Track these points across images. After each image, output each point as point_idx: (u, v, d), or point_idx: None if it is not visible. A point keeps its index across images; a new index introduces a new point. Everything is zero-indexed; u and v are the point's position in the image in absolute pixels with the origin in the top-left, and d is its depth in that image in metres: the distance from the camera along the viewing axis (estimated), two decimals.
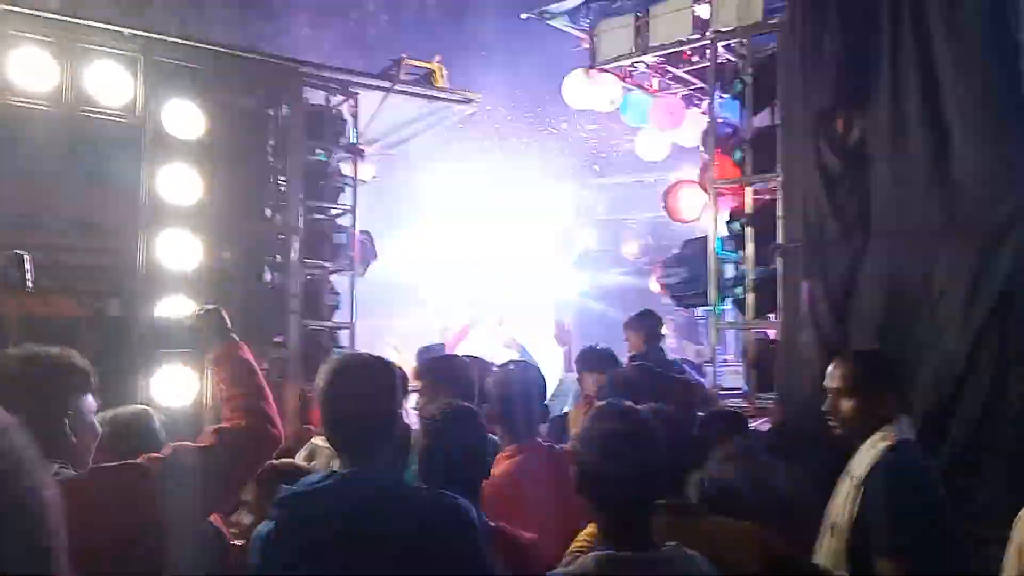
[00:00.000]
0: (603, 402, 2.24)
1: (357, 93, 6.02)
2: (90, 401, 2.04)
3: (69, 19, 4.96)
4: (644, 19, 5.80)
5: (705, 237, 5.29)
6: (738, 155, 5.11)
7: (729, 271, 5.31)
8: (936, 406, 3.94)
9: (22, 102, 4.70)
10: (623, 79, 6.47)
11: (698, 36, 5.46)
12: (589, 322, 10.66)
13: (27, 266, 3.93)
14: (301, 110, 5.69)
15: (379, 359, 2.14)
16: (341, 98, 5.98)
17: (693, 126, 6.50)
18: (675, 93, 6.64)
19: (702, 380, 5.05)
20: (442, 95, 6.52)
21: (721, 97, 5.57)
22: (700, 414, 3.57)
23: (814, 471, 3.15)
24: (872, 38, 4.48)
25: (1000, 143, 4.06)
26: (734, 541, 2.26)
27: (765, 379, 4.84)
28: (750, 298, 4.93)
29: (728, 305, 5.27)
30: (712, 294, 5.14)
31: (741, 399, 4.99)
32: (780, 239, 4.81)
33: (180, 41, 5.30)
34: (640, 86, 6.68)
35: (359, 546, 1.93)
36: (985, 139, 4.08)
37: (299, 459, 3.63)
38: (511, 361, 3.82)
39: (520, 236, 12.04)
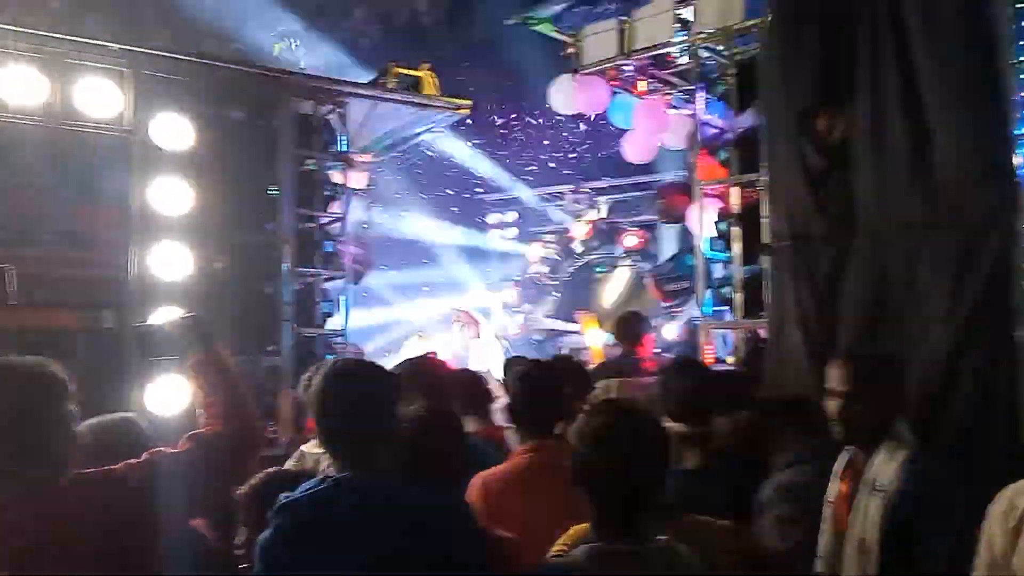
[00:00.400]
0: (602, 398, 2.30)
1: (346, 102, 6.06)
2: (69, 409, 2.07)
3: (57, 35, 5.02)
4: (627, 22, 5.85)
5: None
6: (723, 155, 5.16)
7: (718, 271, 5.36)
8: (924, 402, 3.97)
9: (13, 118, 4.75)
10: (609, 83, 6.52)
11: (681, 38, 5.51)
12: None
13: (9, 280, 3.96)
14: (290, 120, 5.74)
15: (373, 364, 2.18)
16: (330, 107, 6.03)
17: (680, 128, 6.54)
18: (663, 95, 6.69)
19: None
20: (430, 102, 6.57)
21: (706, 99, 5.62)
22: None
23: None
24: (851, 36, 4.51)
25: (980, 138, 4.08)
26: (715, 539, 2.29)
27: (755, 378, 4.87)
28: (738, 297, 4.97)
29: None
30: (699, 294, 5.18)
31: None
32: (766, 238, 4.84)
33: (167, 55, 5.36)
34: (628, 89, 6.73)
35: (359, 549, 1.97)
36: (965, 134, 4.11)
37: (288, 466, 3.66)
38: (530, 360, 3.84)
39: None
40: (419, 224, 11.52)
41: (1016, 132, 4.03)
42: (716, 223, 5.18)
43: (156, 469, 2.09)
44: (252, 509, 2.31)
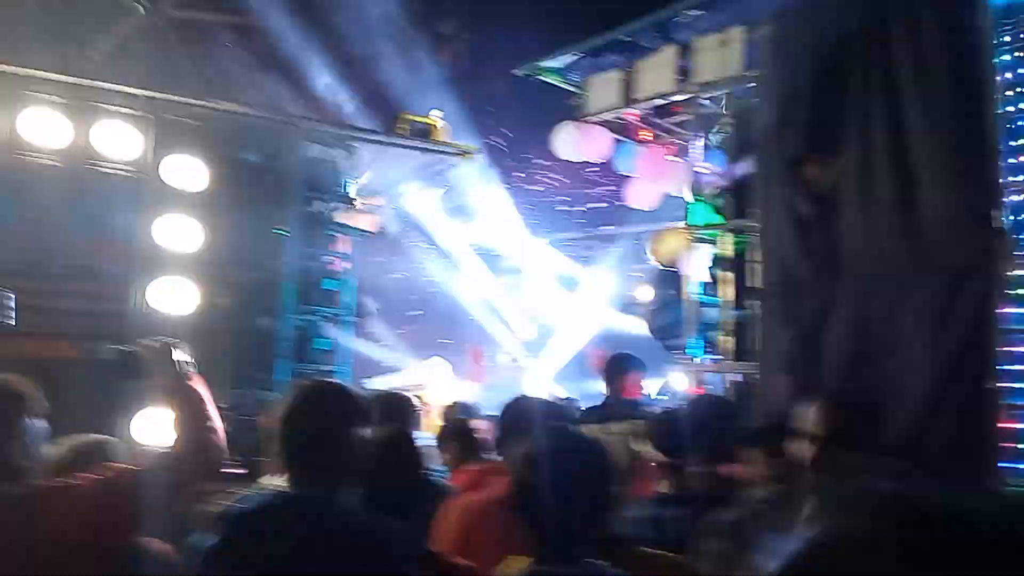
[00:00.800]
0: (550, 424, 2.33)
1: (355, 146, 6.27)
2: (39, 426, 2.17)
3: (84, 82, 5.29)
4: (631, 73, 5.99)
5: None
6: (718, 202, 5.23)
7: (712, 315, 5.38)
8: (903, 446, 3.95)
9: (36, 156, 5.00)
10: (615, 132, 6.66)
11: (680, 89, 5.64)
12: None
13: (8, 304, 4.13)
14: (299, 163, 5.95)
15: (342, 386, 2.26)
16: (339, 151, 6.24)
17: (682, 176, 6.64)
18: (667, 144, 6.81)
19: None
20: (438, 148, 6.76)
21: (706, 147, 5.72)
22: None
23: None
24: (842, 87, 4.60)
25: (964, 189, 4.12)
26: (659, 570, 2.30)
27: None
28: (728, 341, 4.98)
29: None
30: (691, 338, 5.21)
31: None
32: (757, 283, 4.88)
33: (188, 101, 5.62)
34: (632, 138, 6.87)
35: (301, 566, 2.01)
36: (949, 185, 4.15)
37: None
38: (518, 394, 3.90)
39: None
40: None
41: (1001, 181, 4.06)
42: (708, 268, 5.23)
43: (118, 484, 2.18)
44: None
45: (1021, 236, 4.05)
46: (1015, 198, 4.07)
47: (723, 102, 5.46)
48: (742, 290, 5.02)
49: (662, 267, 6.28)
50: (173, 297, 5.12)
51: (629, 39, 5.66)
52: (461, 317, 11.90)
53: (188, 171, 5.42)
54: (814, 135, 4.72)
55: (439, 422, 4.23)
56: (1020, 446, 4.01)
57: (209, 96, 5.85)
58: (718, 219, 5.27)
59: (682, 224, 5.70)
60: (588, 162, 7.45)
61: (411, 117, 7.14)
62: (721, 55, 5.37)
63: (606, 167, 7.53)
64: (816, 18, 4.70)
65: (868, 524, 0.77)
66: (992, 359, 3.88)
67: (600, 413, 4.07)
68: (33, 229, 4.90)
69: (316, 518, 2.07)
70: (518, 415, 3.13)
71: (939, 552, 0.74)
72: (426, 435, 3.75)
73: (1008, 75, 4.19)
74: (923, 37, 4.26)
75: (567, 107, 6.74)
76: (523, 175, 12.10)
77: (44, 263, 4.82)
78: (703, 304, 5.29)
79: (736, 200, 5.19)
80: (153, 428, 4.60)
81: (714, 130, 5.46)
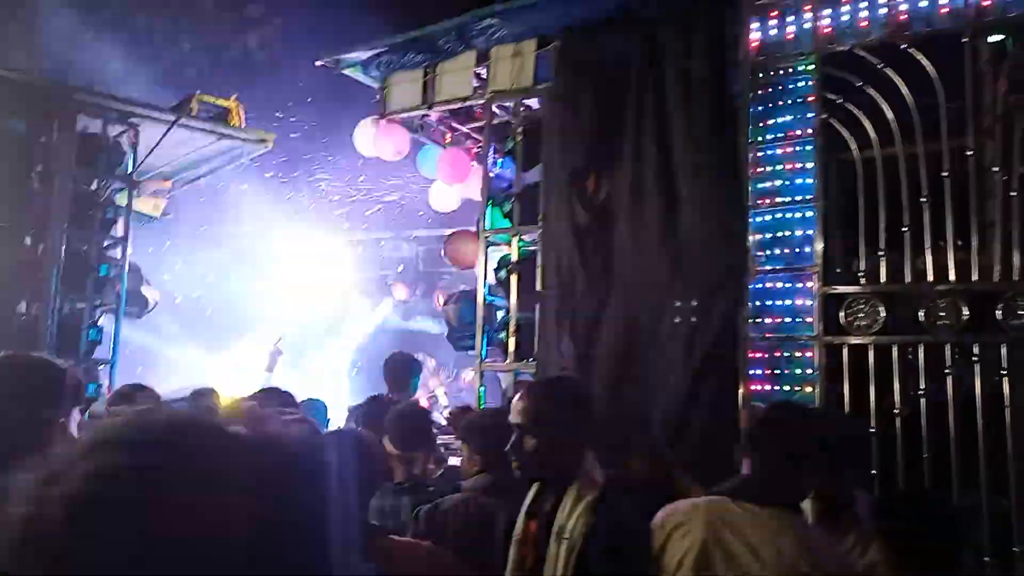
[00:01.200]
0: None
1: (138, 124, 5.89)
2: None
3: None
4: (432, 75, 6.08)
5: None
6: (507, 207, 5.44)
7: (499, 316, 5.58)
8: (666, 430, 4.34)
9: None
10: (416, 131, 6.72)
11: (476, 95, 5.80)
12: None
13: None
14: (73, 136, 5.52)
15: (40, 360, 2.10)
16: (120, 127, 5.84)
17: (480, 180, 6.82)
18: (467, 148, 6.97)
19: None
20: (232, 132, 6.50)
21: (498, 153, 5.92)
22: None
23: None
24: (621, 109, 4.96)
25: (719, 208, 4.59)
26: (406, 558, 2.37)
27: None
28: (511, 342, 5.20)
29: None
30: (478, 338, 5.38)
31: None
32: (539, 287, 5.14)
33: None
34: (434, 140, 6.96)
35: None
36: (706, 205, 4.61)
37: None
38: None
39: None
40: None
41: (749, 204, 4.56)
42: (495, 271, 5.43)
43: None
44: None
45: (765, 252, 4.54)
46: (760, 219, 4.56)
47: (515, 110, 5.67)
48: (526, 293, 5.25)
49: (458, 269, 6.44)
50: None
51: (431, 39, 5.74)
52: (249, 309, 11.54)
53: None
54: (593, 150, 5.07)
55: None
56: None
57: None
58: (507, 223, 5.48)
59: (474, 228, 5.86)
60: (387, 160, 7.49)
61: (207, 99, 6.81)
62: (514, 65, 5.59)
63: (408, 167, 7.60)
64: (599, 39, 5.05)
65: None
66: (735, 359, 4.35)
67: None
68: None
69: None
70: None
71: None
72: None
73: (759, 107, 4.69)
74: (690, 60, 4.71)
75: (372, 103, 6.73)
76: (325, 169, 11.89)
77: None
78: (490, 305, 5.48)
79: (523, 206, 5.42)
80: None
81: (507, 138, 5.67)
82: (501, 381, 5.58)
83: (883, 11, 4.31)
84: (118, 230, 5.69)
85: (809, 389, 4.31)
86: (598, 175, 5.02)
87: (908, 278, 4.17)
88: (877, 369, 4.17)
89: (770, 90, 4.68)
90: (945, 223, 4.08)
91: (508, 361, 5.24)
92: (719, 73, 4.71)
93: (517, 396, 2.60)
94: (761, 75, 4.69)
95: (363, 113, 6.73)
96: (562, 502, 2.43)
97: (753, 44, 4.69)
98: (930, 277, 4.10)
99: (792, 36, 4.60)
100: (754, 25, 4.68)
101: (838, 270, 4.42)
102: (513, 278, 5.33)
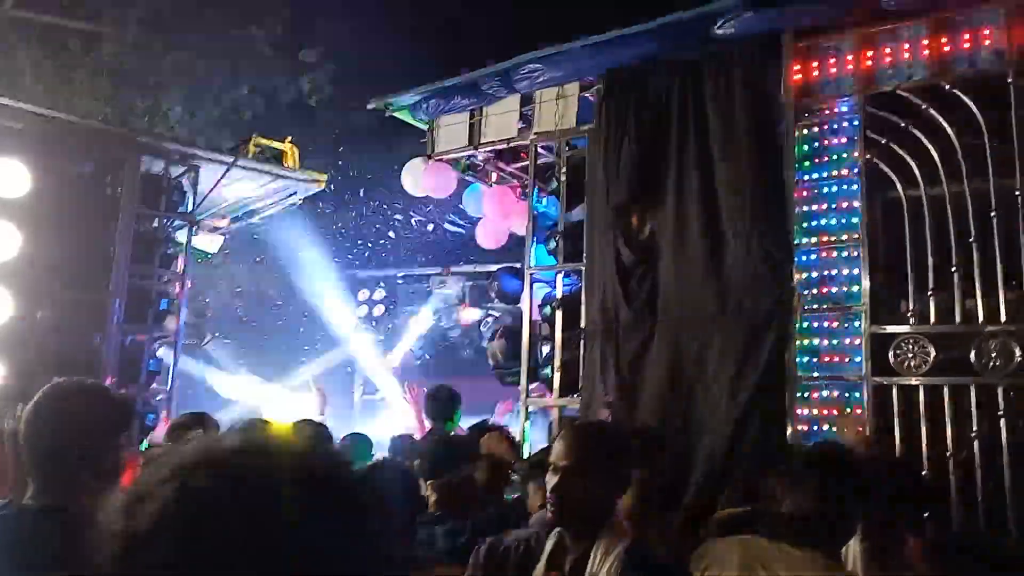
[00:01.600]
0: None
1: (198, 165, 6.14)
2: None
3: None
4: (479, 118, 6.24)
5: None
6: (552, 245, 5.52)
7: (544, 351, 5.63)
8: (709, 478, 4.31)
9: None
10: (464, 171, 6.88)
11: (522, 136, 5.94)
12: None
13: None
14: (137, 177, 5.77)
15: (96, 387, 2.18)
16: (181, 168, 6.09)
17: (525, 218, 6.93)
18: (512, 187, 7.10)
19: None
20: (286, 173, 6.73)
21: (542, 192, 6.03)
22: None
23: None
24: (664, 146, 5.02)
25: (764, 244, 4.59)
26: None
27: None
28: (556, 378, 5.24)
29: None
30: (524, 374, 5.43)
31: None
32: (584, 323, 5.18)
33: (10, 104, 5.37)
34: (481, 180, 7.12)
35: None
36: (752, 240, 4.61)
37: None
38: None
39: None
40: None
41: (796, 241, 4.56)
42: (540, 307, 5.49)
43: None
44: None
45: (812, 291, 4.53)
46: (806, 257, 4.56)
47: (559, 151, 5.79)
48: (570, 329, 5.29)
49: (505, 304, 6.52)
50: None
51: (476, 83, 5.90)
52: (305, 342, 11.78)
53: (6, 175, 5.21)
54: (637, 186, 5.13)
55: None
56: None
57: (49, 101, 5.61)
58: (551, 261, 5.55)
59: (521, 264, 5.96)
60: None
61: (263, 141, 7.08)
62: (558, 107, 5.72)
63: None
64: (641, 78, 5.14)
65: None
66: (783, 394, 4.33)
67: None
68: None
69: (45, 530, 1.91)
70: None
71: None
72: None
73: (806, 147, 4.72)
74: (732, 101, 4.76)
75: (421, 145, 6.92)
76: (376, 207, 12.16)
77: None
78: (536, 341, 5.53)
79: (567, 243, 5.49)
80: None
81: (551, 177, 5.77)
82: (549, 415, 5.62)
83: (926, 52, 4.32)
84: (178, 265, 5.92)
85: (859, 430, 4.26)
86: (642, 212, 5.07)
87: (958, 319, 4.12)
88: (928, 410, 4.11)
89: (815, 130, 4.72)
90: (996, 263, 4.03)
91: (554, 397, 5.27)
92: (762, 113, 4.75)
93: (559, 435, 2.53)
94: (806, 115, 4.73)
95: (410, 154, 6.94)
96: (592, 551, 2.34)
97: (796, 84, 4.73)
98: (980, 318, 4.05)
99: (834, 76, 4.63)
100: (796, 66, 4.72)
101: (886, 310, 4.39)
102: (558, 314, 5.38)
